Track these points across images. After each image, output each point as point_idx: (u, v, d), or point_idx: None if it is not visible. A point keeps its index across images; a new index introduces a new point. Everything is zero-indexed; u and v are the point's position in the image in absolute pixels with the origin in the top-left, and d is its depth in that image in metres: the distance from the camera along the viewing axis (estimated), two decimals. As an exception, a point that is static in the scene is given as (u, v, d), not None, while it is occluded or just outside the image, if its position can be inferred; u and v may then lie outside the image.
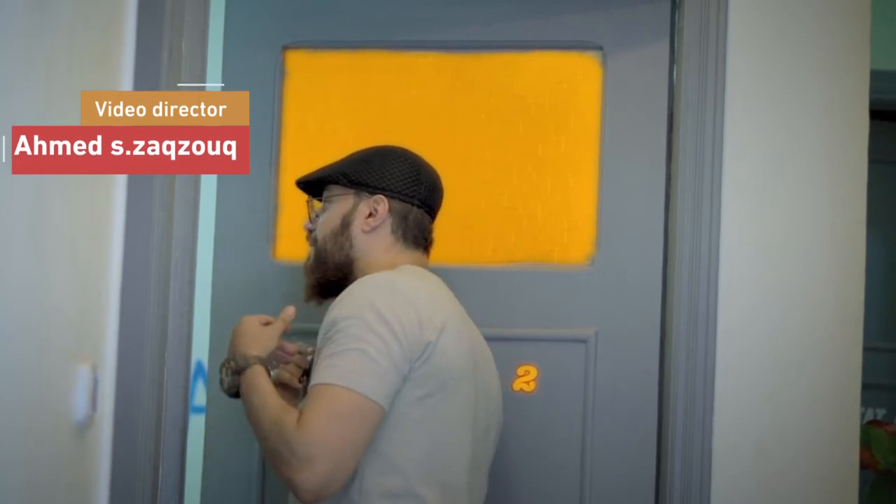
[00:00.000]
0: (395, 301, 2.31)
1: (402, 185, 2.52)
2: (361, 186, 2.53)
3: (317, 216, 2.58)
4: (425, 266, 2.54)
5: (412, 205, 2.52)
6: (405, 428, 2.30)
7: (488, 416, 2.47)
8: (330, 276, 2.52)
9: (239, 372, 2.39)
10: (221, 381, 2.42)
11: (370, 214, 2.51)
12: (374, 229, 2.51)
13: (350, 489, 2.29)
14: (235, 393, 2.41)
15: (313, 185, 2.61)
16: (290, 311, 2.51)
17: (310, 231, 2.58)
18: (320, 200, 2.60)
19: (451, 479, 2.34)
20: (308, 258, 2.58)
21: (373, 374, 2.24)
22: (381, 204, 2.51)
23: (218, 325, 2.93)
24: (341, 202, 2.54)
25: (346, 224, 2.53)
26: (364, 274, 2.45)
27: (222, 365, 2.43)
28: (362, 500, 2.28)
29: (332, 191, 2.56)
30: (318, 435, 2.21)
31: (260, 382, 2.36)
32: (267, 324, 2.48)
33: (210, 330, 2.95)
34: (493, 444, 2.52)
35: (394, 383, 2.27)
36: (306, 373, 2.48)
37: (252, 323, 2.47)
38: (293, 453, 2.22)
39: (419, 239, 2.53)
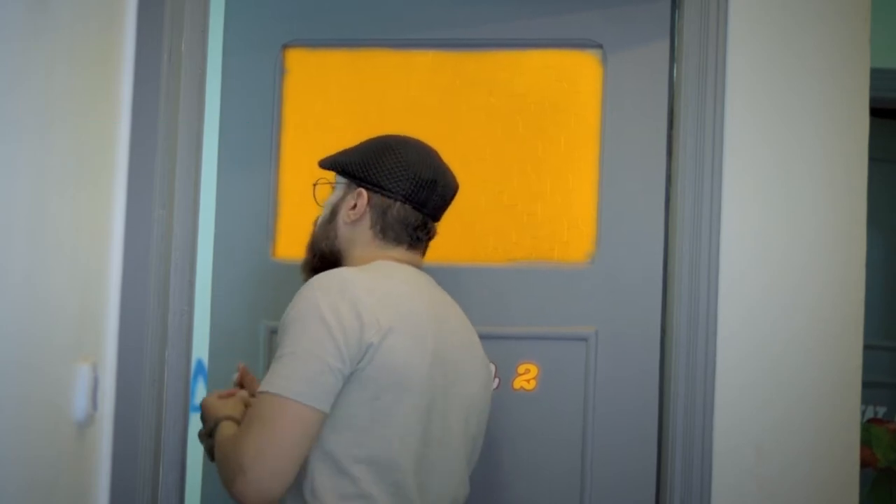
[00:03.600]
0: (340, 301, 2.28)
1: (386, 179, 2.47)
2: (351, 178, 2.51)
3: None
4: (415, 262, 2.49)
5: (394, 200, 2.47)
6: (355, 430, 2.29)
7: (462, 416, 2.43)
8: (317, 262, 2.51)
9: (210, 434, 2.41)
10: (207, 453, 2.44)
11: (354, 207, 2.49)
12: (354, 222, 2.49)
13: (303, 491, 2.29)
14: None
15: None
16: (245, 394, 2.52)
17: None
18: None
19: (403, 479, 2.31)
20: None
21: (301, 378, 2.23)
22: (361, 197, 2.48)
23: (218, 324, 2.94)
24: (338, 191, 2.53)
25: (334, 213, 2.52)
26: (349, 265, 2.45)
27: (198, 435, 2.46)
28: (315, 501, 2.28)
29: (336, 178, 2.55)
30: (248, 443, 2.23)
31: (223, 435, 2.36)
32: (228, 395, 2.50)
33: (210, 329, 2.96)
34: (472, 441, 2.48)
35: (329, 384, 2.25)
36: None
37: (213, 397, 2.48)
38: (230, 467, 2.24)
39: (402, 236, 2.47)
